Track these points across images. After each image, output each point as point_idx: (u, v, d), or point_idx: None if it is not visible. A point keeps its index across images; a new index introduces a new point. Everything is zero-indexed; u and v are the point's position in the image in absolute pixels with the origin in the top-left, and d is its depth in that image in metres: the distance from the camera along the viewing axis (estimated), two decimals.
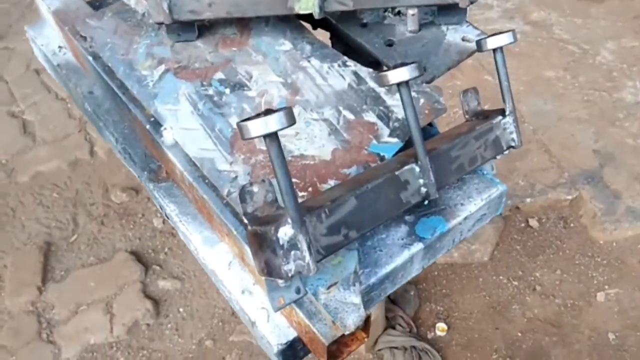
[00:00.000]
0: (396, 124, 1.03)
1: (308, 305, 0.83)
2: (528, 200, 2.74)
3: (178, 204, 1.03)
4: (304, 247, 0.73)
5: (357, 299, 0.82)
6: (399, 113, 1.04)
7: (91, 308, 2.54)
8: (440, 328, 2.45)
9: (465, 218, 1.03)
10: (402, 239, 0.98)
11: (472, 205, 1.03)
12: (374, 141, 1.01)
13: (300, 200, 0.82)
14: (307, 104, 1.07)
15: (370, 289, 0.92)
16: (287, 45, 1.16)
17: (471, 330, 2.45)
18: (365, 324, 0.86)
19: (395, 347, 2.38)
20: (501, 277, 2.59)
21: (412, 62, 0.85)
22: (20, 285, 2.63)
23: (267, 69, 1.12)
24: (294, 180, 0.96)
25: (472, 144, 0.99)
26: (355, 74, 1.11)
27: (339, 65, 1.13)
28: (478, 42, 0.98)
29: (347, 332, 0.79)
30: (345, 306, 0.81)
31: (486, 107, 1.10)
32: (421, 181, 0.90)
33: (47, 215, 2.93)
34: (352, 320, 0.80)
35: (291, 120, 0.71)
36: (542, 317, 2.47)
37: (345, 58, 1.13)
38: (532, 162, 2.88)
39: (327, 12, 1.08)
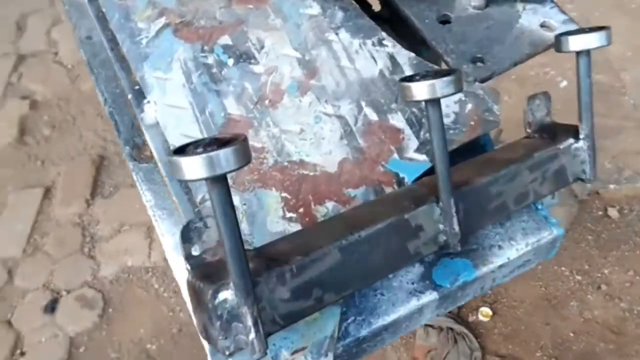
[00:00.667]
0: (428, 135, 0.80)
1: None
2: (611, 186, 2.40)
3: (155, 193, 0.86)
4: (249, 322, 0.54)
5: None
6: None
7: (133, 229, 2.52)
8: (484, 313, 2.25)
9: (502, 266, 0.80)
10: (413, 283, 0.77)
11: (514, 250, 0.81)
12: (396, 155, 0.79)
13: (282, 223, 0.63)
14: (322, 92, 0.85)
15: (359, 342, 0.74)
16: (314, 8, 0.93)
17: (518, 320, 2.23)
18: None
19: (431, 326, 2.20)
20: (563, 269, 2.32)
21: (450, 73, 0.61)
22: (70, 195, 2.64)
23: (283, 37, 0.90)
24: (284, 194, 0.76)
25: (524, 175, 0.75)
26: (392, 58, 0.87)
27: (373, 44, 0.89)
28: (557, 39, 0.71)
29: None
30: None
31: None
32: (440, 227, 0.68)
33: (105, 128, 2.89)
34: None
35: (244, 161, 0.50)
36: (602, 320, 2.20)
37: (384, 35, 0.89)
38: (625, 143, 2.51)
39: None
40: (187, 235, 0.59)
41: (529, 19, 0.89)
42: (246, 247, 0.56)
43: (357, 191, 0.76)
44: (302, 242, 0.63)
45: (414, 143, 0.79)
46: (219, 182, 0.51)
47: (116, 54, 0.91)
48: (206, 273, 0.58)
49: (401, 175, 0.77)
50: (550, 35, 0.86)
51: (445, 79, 0.61)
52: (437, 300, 0.78)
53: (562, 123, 0.83)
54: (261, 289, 0.57)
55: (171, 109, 0.84)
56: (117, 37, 0.92)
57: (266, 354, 0.56)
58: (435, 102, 0.63)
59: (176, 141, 0.82)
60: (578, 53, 0.73)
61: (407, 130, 0.80)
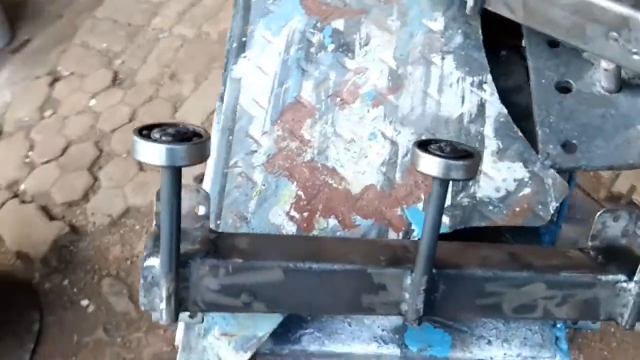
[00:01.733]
0: (466, 200, 0.74)
1: (194, 333, 0.71)
2: None
3: None
4: (163, 294, 0.59)
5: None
6: (485, 189, 0.75)
7: None
8: None
9: None
10: (383, 330, 0.76)
11: (501, 353, 0.74)
12: (421, 205, 0.75)
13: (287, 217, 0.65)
14: (392, 111, 0.82)
15: (306, 354, 0.75)
16: (437, 23, 0.88)
17: None
18: None
19: None
20: None
21: (468, 156, 0.57)
22: None
23: (391, 42, 0.87)
24: (300, 192, 0.78)
25: (537, 288, 0.67)
26: (481, 106, 0.80)
27: (472, 83, 0.82)
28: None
29: None
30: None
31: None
32: (406, 296, 0.65)
33: None
34: None
35: (200, 158, 0.53)
36: None
37: (488, 78, 0.82)
38: None
39: (486, 9, 0.76)
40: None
41: None
42: (216, 228, 0.60)
43: (363, 221, 0.75)
44: (261, 247, 0.65)
45: (446, 201, 0.74)
46: (170, 171, 0.54)
47: (244, 2, 0.96)
48: (157, 235, 0.63)
49: (413, 227, 0.73)
50: None
51: (458, 162, 0.56)
52: (398, 357, 0.75)
53: (635, 252, 0.72)
54: (190, 271, 0.61)
55: (257, 71, 0.88)
56: None
57: (175, 321, 0.61)
58: (442, 182, 0.58)
59: (245, 103, 0.86)
60: None
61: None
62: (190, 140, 0.54)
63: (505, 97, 0.84)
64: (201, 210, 0.66)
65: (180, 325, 0.74)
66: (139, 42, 3.47)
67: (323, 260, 0.64)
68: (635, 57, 0.69)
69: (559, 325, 0.75)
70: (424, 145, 0.58)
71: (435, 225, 0.61)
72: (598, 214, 0.71)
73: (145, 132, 0.54)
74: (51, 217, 2.72)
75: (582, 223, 1.61)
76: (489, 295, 0.67)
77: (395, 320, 0.76)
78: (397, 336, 0.75)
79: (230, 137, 0.84)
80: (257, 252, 0.64)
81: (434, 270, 0.64)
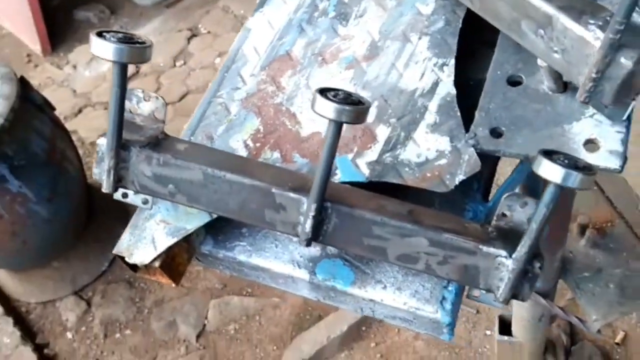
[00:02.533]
0: (389, 158, 0.83)
1: (142, 215, 0.88)
2: None
3: None
4: (105, 167, 0.77)
5: (162, 242, 0.83)
6: (409, 153, 0.83)
7: None
8: None
9: (374, 302, 0.84)
10: (301, 257, 0.88)
11: (390, 299, 0.83)
12: (351, 155, 0.85)
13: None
14: (360, 76, 0.92)
15: (237, 262, 0.90)
16: (427, 7, 0.96)
17: None
18: (169, 265, 0.86)
19: None
20: None
21: (360, 103, 0.67)
22: None
23: (381, 17, 0.97)
24: (260, 127, 0.91)
25: (419, 242, 0.76)
26: (435, 84, 0.88)
27: (435, 64, 0.90)
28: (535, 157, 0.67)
29: (130, 261, 0.84)
30: (149, 241, 0.84)
31: None
32: (301, 219, 0.76)
33: None
34: (139, 255, 0.83)
35: (140, 59, 0.70)
36: None
37: (452, 62, 0.89)
38: None
39: None
40: (130, 96, 0.81)
41: (583, 127, 0.78)
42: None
43: (300, 159, 0.87)
44: (194, 152, 0.80)
45: (372, 156, 0.84)
46: (118, 66, 0.71)
47: None
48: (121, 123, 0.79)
49: (337, 171, 0.84)
50: (584, 155, 0.76)
51: (351, 107, 0.67)
52: (307, 282, 0.87)
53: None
54: (129, 155, 0.77)
55: (266, 24, 1.03)
56: None
57: (114, 191, 0.78)
58: (336, 124, 0.69)
59: (246, 49, 1.01)
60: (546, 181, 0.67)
61: (379, 145, 0.85)
62: (134, 44, 0.70)
63: (469, 85, 0.91)
64: (159, 114, 0.82)
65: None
66: None
67: (239, 173, 0.77)
68: (555, 55, 0.74)
69: (450, 288, 0.82)
70: (324, 92, 0.69)
71: (328, 162, 0.71)
72: (504, 196, 0.77)
73: (103, 34, 0.71)
74: None
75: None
76: (375, 238, 0.76)
77: (314, 251, 0.88)
78: (310, 264, 0.87)
79: (225, 74, 0.99)
80: (188, 154, 0.79)
81: (328, 203, 0.75)
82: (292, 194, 0.76)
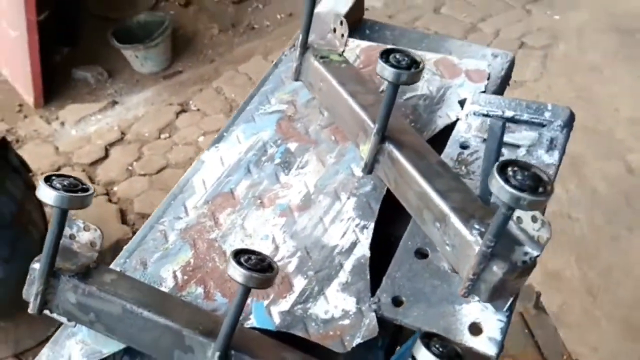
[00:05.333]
0: (300, 310, 0.91)
1: (65, 332, 0.94)
2: None
3: None
4: (34, 291, 0.84)
5: None
6: (319, 308, 0.91)
7: None
8: None
9: None
10: None
11: None
12: (266, 302, 0.93)
13: None
14: (289, 225, 1.02)
15: None
16: (360, 170, 1.07)
17: None
18: None
19: None
20: None
21: (270, 268, 0.76)
22: None
23: (319, 172, 1.08)
24: (192, 260, 0.99)
25: None
26: (354, 245, 0.98)
27: (357, 225, 1.00)
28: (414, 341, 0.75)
29: None
30: (65, 359, 0.90)
31: None
32: None
33: None
34: None
35: (80, 205, 0.78)
36: None
37: (371, 226, 0.99)
38: None
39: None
40: (71, 224, 0.89)
41: (471, 310, 0.87)
42: (122, 264, 0.84)
43: (220, 299, 0.94)
44: (120, 285, 0.88)
45: (285, 306, 0.92)
46: (58, 211, 0.79)
47: (241, 106, 1.22)
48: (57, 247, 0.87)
49: (251, 316, 0.92)
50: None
51: (258, 275, 0.75)
52: None
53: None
54: (58, 282, 0.84)
55: (218, 160, 1.13)
56: (256, 94, 1.23)
57: (39, 312, 0.85)
58: (244, 287, 0.77)
59: (196, 181, 1.10)
60: None
61: (294, 295, 0.93)
62: (76, 192, 0.79)
63: (390, 242, 1.00)
64: (96, 245, 0.90)
65: None
66: None
67: (155, 312, 0.84)
68: (447, 247, 0.83)
69: None
70: (238, 254, 0.78)
71: (235, 317, 0.79)
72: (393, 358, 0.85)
73: (51, 178, 0.80)
74: (123, 221, 3.12)
75: None
76: None
77: None
78: None
79: (172, 202, 1.08)
80: (114, 287, 0.86)
81: (232, 352, 0.82)
82: (200, 338, 0.83)
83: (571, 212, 2.94)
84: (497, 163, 0.69)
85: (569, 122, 1.06)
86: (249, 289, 0.76)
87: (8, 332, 2.52)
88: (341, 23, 1.09)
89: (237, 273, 0.74)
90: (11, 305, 2.44)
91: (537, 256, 0.78)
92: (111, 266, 1.00)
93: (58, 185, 0.79)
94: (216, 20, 4.62)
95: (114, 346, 0.91)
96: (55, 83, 4.14)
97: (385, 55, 0.85)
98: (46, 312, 0.87)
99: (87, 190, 0.80)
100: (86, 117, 3.93)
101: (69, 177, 0.81)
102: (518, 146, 1.04)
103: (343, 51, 1.10)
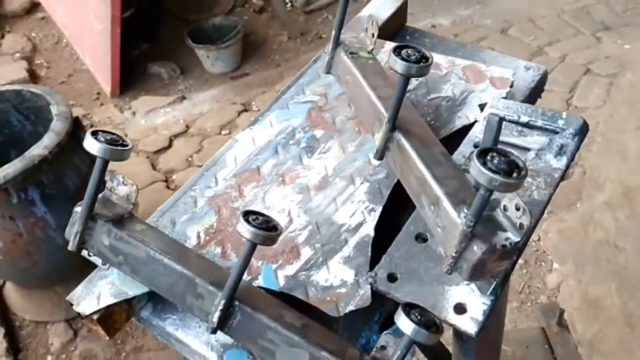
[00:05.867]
0: (303, 276, 1.00)
1: (99, 273, 1.06)
2: None
3: None
4: (74, 230, 0.97)
5: (105, 299, 1.01)
6: (320, 276, 1.00)
7: None
8: None
9: None
10: (216, 341, 1.04)
11: None
12: (275, 266, 1.02)
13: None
14: (305, 202, 1.11)
15: (163, 331, 1.06)
16: (381, 172, 1.15)
17: None
18: (106, 320, 1.03)
19: None
20: None
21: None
22: None
23: (339, 158, 1.17)
24: (214, 223, 1.10)
25: (302, 354, 0.91)
26: (360, 223, 1.06)
27: (366, 208, 1.08)
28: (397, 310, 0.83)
29: (75, 309, 1.02)
30: (95, 296, 1.02)
31: None
32: (212, 309, 0.93)
33: None
34: (83, 306, 1.01)
35: (119, 158, 0.91)
36: None
37: (379, 209, 1.07)
38: None
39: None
40: (111, 178, 1.02)
41: (458, 292, 0.93)
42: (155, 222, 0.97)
43: (234, 259, 1.05)
44: (147, 234, 0.99)
45: (290, 271, 1.01)
46: (100, 160, 0.92)
47: (279, 95, 1.33)
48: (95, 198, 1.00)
49: (260, 277, 1.01)
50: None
51: (263, 233, 0.85)
52: None
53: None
54: (95, 225, 0.97)
55: (250, 140, 1.24)
56: (293, 85, 1.34)
57: (78, 251, 0.98)
58: (251, 243, 0.87)
59: (228, 157, 1.22)
60: None
61: (299, 263, 1.02)
62: (116, 146, 0.91)
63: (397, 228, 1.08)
64: (131, 198, 1.02)
65: None
66: None
67: (174, 260, 0.95)
68: (439, 229, 0.91)
69: None
70: (247, 214, 0.88)
71: (241, 270, 0.89)
72: (384, 332, 0.92)
73: (97, 133, 0.92)
74: None
75: None
76: (267, 341, 0.92)
77: (228, 339, 1.03)
78: (221, 349, 1.02)
79: (205, 173, 1.20)
80: (141, 235, 0.98)
81: (236, 302, 0.92)
82: (210, 287, 0.94)
83: (618, 241, 2.89)
84: (478, 148, 0.76)
85: (581, 131, 1.11)
86: (255, 245, 0.86)
87: (62, 297, 2.72)
88: (372, 23, 1.18)
89: (244, 229, 0.84)
90: (67, 271, 2.65)
91: (518, 242, 0.84)
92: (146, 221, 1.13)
93: (102, 139, 0.91)
94: (286, 28, 4.80)
95: (138, 289, 1.02)
96: (131, 75, 4.42)
97: (398, 50, 0.93)
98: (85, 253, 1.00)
99: (126, 145, 0.93)
100: (156, 109, 4.17)
101: (112, 133, 0.94)
102: (528, 149, 1.10)
103: (372, 49, 1.19)
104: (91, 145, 0.90)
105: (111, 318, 1.04)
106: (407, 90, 0.97)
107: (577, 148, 1.10)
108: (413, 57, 0.92)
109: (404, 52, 0.93)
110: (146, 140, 3.86)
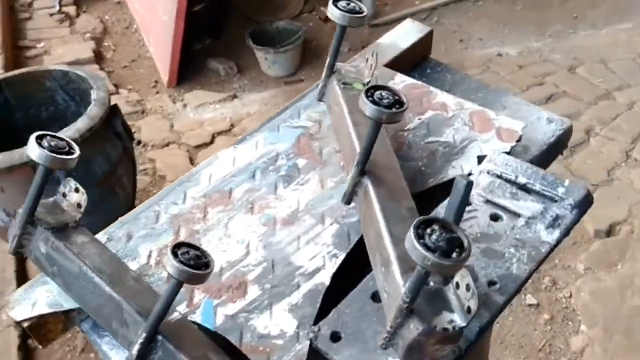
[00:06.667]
0: (242, 319, 0.92)
1: (41, 279, 1.02)
2: None
3: None
4: (13, 233, 0.93)
5: (39, 308, 0.96)
6: (260, 325, 0.92)
7: None
8: None
9: None
10: None
11: None
12: (216, 301, 0.95)
13: None
14: (267, 236, 1.03)
15: (96, 344, 1.01)
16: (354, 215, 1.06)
17: None
18: (39, 329, 0.98)
19: None
20: None
21: (206, 264, 0.79)
22: None
23: (315, 192, 1.08)
24: (168, 243, 1.04)
25: None
26: (317, 269, 0.97)
27: (328, 252, 0.99)
28: None
29: (8, 313, 0.98)
30: (31, 303, 0.98)
31: None
32: (135, 340, 0.87)
33: None
34: (17, 311, 0.97)
35: (62, 166, 0.86)
36: None
37: (341, 257, 0.98)
38: None
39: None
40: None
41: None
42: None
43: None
44: (85, 247, 0.94)
45: (231, 310, 0.94)
46: (42, 169, 0.87)
47: (272, 116, 1.26)
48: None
49: (197, 311, 0.94)
50: None
51: (192, 271, 0.78)
52: None
53: None
54: (34, 230, 0.93)
55: (231, 160, 1.18)
56: (290, 107, 1.27)
57: (15, 254, 0.94)
58: (176, 281, 0.80)
59: (204, 173, 1.15)
60: None
61: (243, 303, 0.94)
62: (61, 153, 0.86)
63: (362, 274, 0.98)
64: (81, 207, 0.98)
65: None
66: None
67: (105, 280, 0.90)
68: (385, 294, 0.80)
69: None
70: (178, 247, 0.81)
71: (164, 306, 0.82)
72: None
73: (40, 137, 0.88)
74: None
75: None
76: None
77: None
78: None
79: (177, 187, 1.14)
80: (79, 248, 0.93)
81: (159, 337, 0.85)
82: (136, 316, 0.87)
83: None
84: (419, 218, 0.66)
85: (582, 204, 0.98)
86: (180, 282, 0.79)
87: None
88: (372, 54, 1.09)
89: (169, 264, 0.77)
90: None
91: (463, 327, 0.73)
92: (102, 232, 1.08)
93: (45, 145, 0.87)
94: (349, 39, 4.72)
95: (73, 303, 0.97)
96: (190, 68, 4.46)
97: (372, 90, 0.84)
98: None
99: (72, 153, 0.88)
100: (205, 104, 4.19)
101: (61, 139, 0.89)
102: (519, 215, 0.98)
103: (369, 82, 1.10)
104: (32, 150, 0.86)
105: (45, 327, 0.99)
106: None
107: (575, 222, 0.97)
108: (386, 101, 0.83)
109: (377, 93, 0.84)
110: (190, 133, 3.87)
